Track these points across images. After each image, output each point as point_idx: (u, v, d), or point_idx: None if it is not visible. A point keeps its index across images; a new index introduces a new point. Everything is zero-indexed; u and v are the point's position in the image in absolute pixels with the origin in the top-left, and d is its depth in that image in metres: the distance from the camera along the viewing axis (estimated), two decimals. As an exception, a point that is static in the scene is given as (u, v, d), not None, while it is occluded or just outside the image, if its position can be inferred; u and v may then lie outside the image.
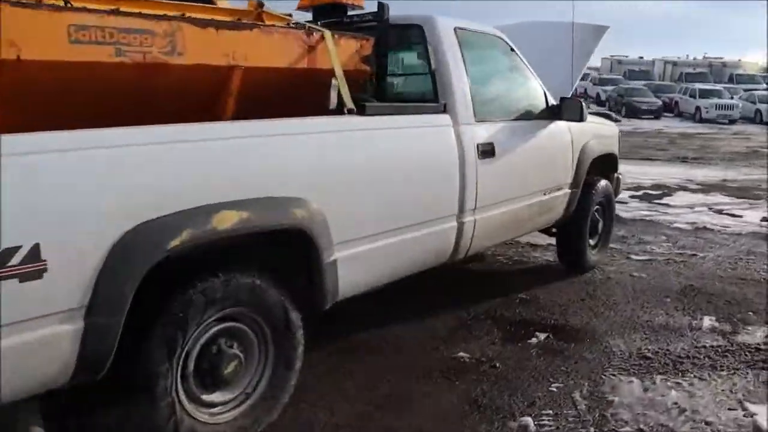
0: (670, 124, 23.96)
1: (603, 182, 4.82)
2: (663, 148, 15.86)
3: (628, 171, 10.87)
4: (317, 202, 2.58)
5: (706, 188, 9.32)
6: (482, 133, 3.50)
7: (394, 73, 3.65)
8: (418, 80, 3.60)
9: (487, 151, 3.51)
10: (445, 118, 3.31)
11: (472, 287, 4.47)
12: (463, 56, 3.50)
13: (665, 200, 8.20)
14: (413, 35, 3.52)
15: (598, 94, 29.28)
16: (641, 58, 36.89)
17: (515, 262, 5.15)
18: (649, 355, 3.37)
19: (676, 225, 6.65)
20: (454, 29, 3.52)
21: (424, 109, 3.31)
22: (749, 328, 3.78)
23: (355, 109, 2.93)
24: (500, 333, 3.66)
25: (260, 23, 2.92)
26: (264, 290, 2.48)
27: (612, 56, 35.27)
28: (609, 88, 28.32)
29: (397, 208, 3.01)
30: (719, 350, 3.44)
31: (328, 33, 3.08)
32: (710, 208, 7.69)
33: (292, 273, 2.67)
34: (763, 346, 3.51)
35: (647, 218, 6.97)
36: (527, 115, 4.01)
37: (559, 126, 4.19)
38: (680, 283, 4.61)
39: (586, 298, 4.25)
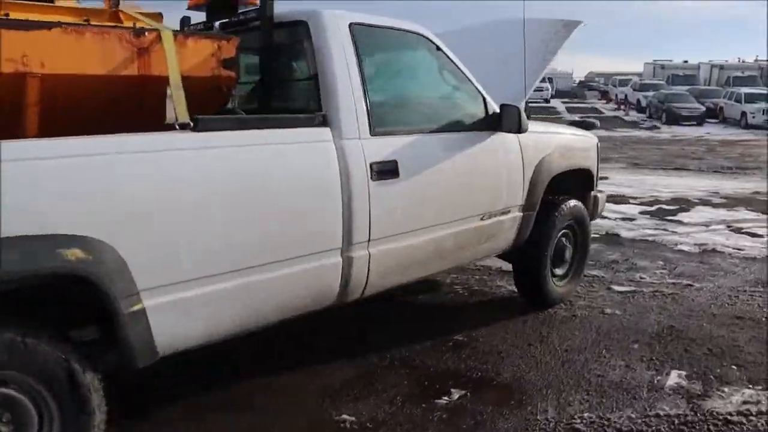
0: (712, 131, 22.42)
1: (572, 203, 4.08)
2: (698, 156, 14.65)
3: (652, 183, 10.00)
4: (110, 239, 2.01)
5: (732, 202, 8.31)
6: (380, 149, 2.85)
7: (279, 80, 3.03)
8: (303, 87, 2.99)
9: (386, 171, 2.86)
10: (321, 132, 2.68)
11: (404, 323, 3.81)
12: (359, 58, 2.87)
13: (679, 216, 7.28)
14: (298, 33, 2.90)
15: (638, 100, 27.85)
16: (686, 62, 35.01)
17: (472, 293, 4.45)
18: (581, 427, 2.64)
19: (681, 247, 5.78)
20: (350, 25, 2.89)
21: (290, 121, 2.68)
22: (725, 389, 2.98)
23: (190, 124, 2.36)
24: (408, 387, 2.99)
25: (61, 22, 2.38)
26: (32, 348, 1.93)
27: (655, 61, 33.60)
28: (649, 93, 26.85)
29: (245, 242, 2.40)
30: (675, 422, 2.68)
31: (167, 33, 2.52)
32: (729, 226, 6.74)
33: (82, 326, 2.13)
34: (735, 417, 2.72)
35: (650, 238, 6.12)
36: (456, 127, 3.33)
37: (503, 138, 3.49)
38: (659, 324, 3.82)
39: (535, 343, 3.52)
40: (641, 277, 4.79)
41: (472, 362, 3.28)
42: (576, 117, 26.45)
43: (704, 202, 8.24)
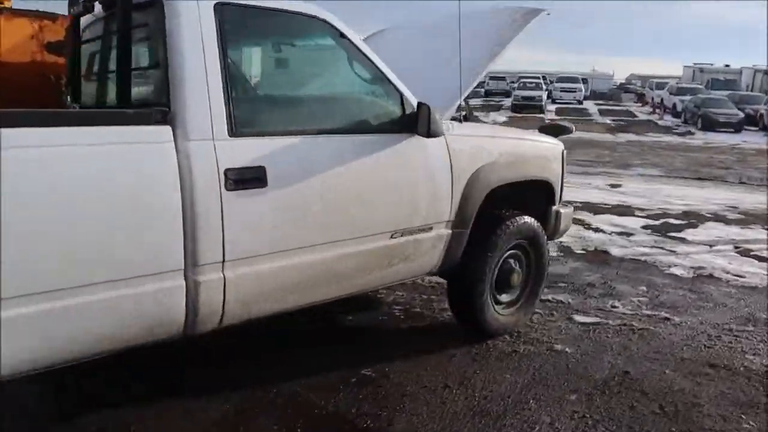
0: (749, 139, 21.03)
1: (522, 219, 3.48)
2: (726, 166, 13.61)
3: (666, 193, 9.20)
4: None
5: (749, 219, 7.48)
6: (242, 153, 2.33)
7: (134, 70, 2.52)
8: (156, 79, 2.47)
9: (247, 179, 2.34)
10: (157, 132, 2.17)
11: (314, 348, 3.28)
12: (223, 44, 2.35)
13: (684, 233, 6.53)
14: (154, 15, 2.40)
15: (674, 104, 26.52)
16: (727, 66, 33.22)
17: (410, 316, 3.88)
18: None
19: (673, 270, 5.09)
20: (216, 6, 2.37)
21: (116, 118, 2.18)
22: (662, 468, 2.37)
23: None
24: (274, 440, 2.48)
25: None
26: None
27: (695, 64, 32.01)
28: (686, 97, 25.50)
29: (49, 261, 1.94)
30: None
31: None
32: (736, 248, 5.98)
33: None
34: None
35: (642, 258, 5.43)
36: (357, 128, 2.77)
37: (424, 143, 2.91)
38: (612, 368, 3.20)
39: (453, 386, 2.94)
40: (613, 306, 4.14)
41: (367, 406, 2.73)
42: (608, 120, 25.38)
43: (717, 218, 7.44)
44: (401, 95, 2.88)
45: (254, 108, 2.49)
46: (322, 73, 2.93)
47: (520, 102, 26.26)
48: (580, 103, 31.52)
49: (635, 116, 28.12)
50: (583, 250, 5.68)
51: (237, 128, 2.35)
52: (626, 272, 4.99)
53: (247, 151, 2.37)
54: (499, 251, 3.38)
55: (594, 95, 39.54)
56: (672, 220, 7.16)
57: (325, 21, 2.70)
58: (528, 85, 27.88)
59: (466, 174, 3.15)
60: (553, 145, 3.80)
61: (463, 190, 3.15)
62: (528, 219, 3.52)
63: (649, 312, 4.06)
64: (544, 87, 28.57)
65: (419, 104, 2.79)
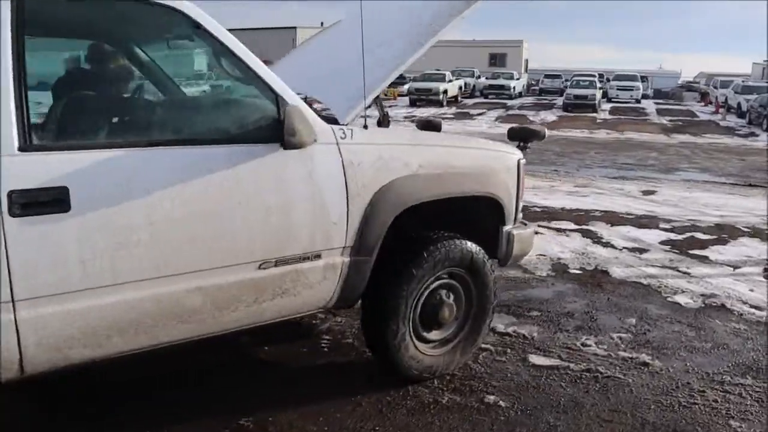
0: (822, 142, 19.08)
1: (455, 244, 2.87)
2: (785, 172, 12.23)
3: (704, 202, 8.21)
4: None
5: (793, 235, 6.47)
6: (35, 171, 1.86)
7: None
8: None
9: (43, 203, 1.86)
10: None
11: (208, 385, 2.79)
12: (18, 35, 1.88)
13: (708, 251, 5.65)
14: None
15: (739, 104, 24.50)
16: (803, 62, 30.54)
17: (336, 348, 3.29)
18: None
19: (678, 297, 4.30)
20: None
21: None
22: None
23: None
24: None
25: None
26: None
27: (765, 61, 29.53)
28: (752, 97, 23.48)
29: None
30: None
31: None
32: (766, 270, 5.08)
33: None
34: None
35: (647, 281, 4.65)
36: (208, 138, 2.24)
37: (305, 154, 2.36)
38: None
39: (333, 451, 2.39)
40: (585, 345, 3.45)
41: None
42: (665, 120, 23.78)
43: (754, 233, 6.45)
44: (277, 97, 2.34)
45: (61, 115, 2.03)
46: (162, 72, 2.43)
47: (572, 101, 24.94)
48: (638, 102, 29.69)
49: (696, 116, 26.20)
50: (580, 269, 4.95)
51: (31, 141, 1.88)
52: (620, 299, 4.25)
53: (44, 168, 1.89)
54: (418, 282, 2.78)
55: (657, 94, 37.44)
56: (699, 235, 6.25)
57: (172, 9, 2.19)
58: (581, 83, 26.48)
59: (368, 190, 2.57)
60: (502, 154, 3.14)
61: (364, 211, 2.57)
62: (462, 243, 2.90)
63: (626, 353, 3.34)
64: (599, 85, 27.07)
65: (288, 107, 2.24)
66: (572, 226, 6.53)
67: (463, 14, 2.87)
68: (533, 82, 37.69)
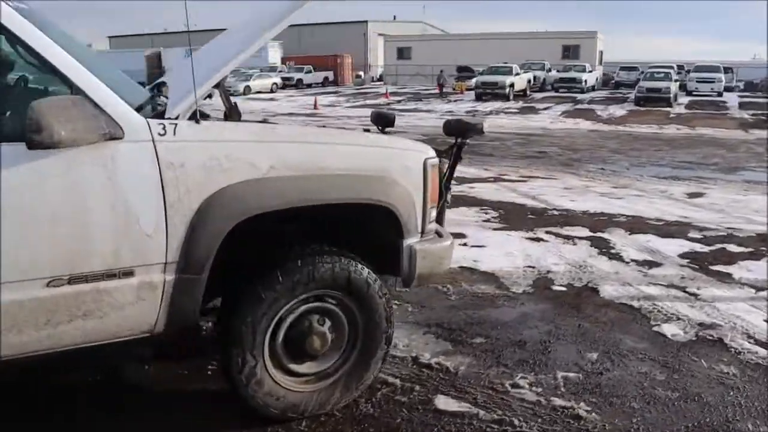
0: None
1: (326, 262, 2.34)
2: None
3: (755, 207, 7.09)
4: None
5: None
6: None
7: None
8: None
9: None
10: None
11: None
12: None
13: (734, 267, 4.71)
14: None
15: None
16: None
17: (220, 375, 2.89)
18: None
19: (668, 327, 3.52)
20: None
21: None
22: None
23: None
24: None
25: None
26: None
27: None
28: None
29: None
30: None
31: None
32: (798, 295, 4.16)
33: None
34: None
35: (638, 304, 3.88)
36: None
37: (105, 152, 1.94)
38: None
39: None
40: (515, 386, 2.81)
41: None
42: (746, 114, 21.59)
43: (803, 247, 5.42)
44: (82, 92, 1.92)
45: None
46: None
47: (644, 94, 23.06)
48: (720, 94, 27.13)
49: (785, 111, 23.65)
50: (566, 286, 4.25)
51: None
52: (594, 325, 3.55)
53: None
54: (270, 306, 2.29)
55: (747, 87, 34.26)
56: (732, 247, 5.30)
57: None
58: (656, 75, 24.43)
59: (195, 197, 2.11)
60: (400, 153, 2.56)
61: (190, 221, 2.11)
62: (335, 261, 2.38)
63: (561, 401, 2.69)
64: (675, 77, 24.90)
65: (36, 101, 1.81)
66: (585, 233, 5.75)
67: (291, 16, 2.31)
68: (611, 75, 35.49)
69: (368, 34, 47.84)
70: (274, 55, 43.86)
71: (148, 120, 2.09)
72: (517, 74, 27.67)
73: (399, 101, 27.61)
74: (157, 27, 53.36)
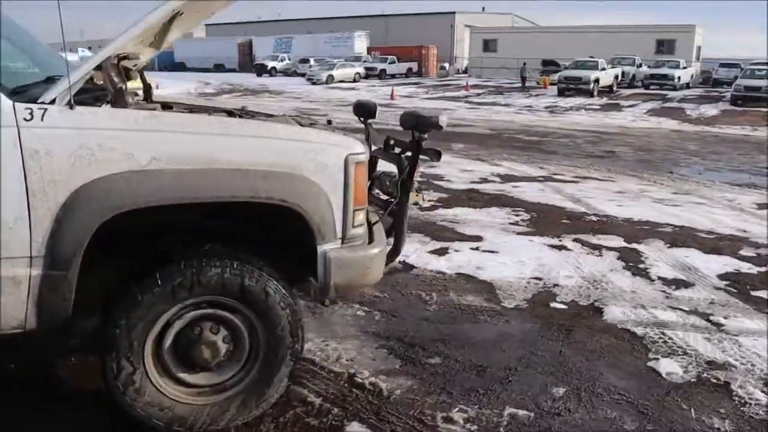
0: None
1: (213, 266, 2.08)
2: None
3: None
4: None
5: None
6: None
7: None
8: None
9: None
10: None
11: None
12: None
13: (782, 296, 3.99)
14: None
15: None
16: None
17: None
18: None
19: (665, 363, 2.96)
20: None
21: None
22: None
23: None
24: None
25: None
26: None
27: None
28: None
29: None
30: None
31: None
32: None
33: None
34: None
35: (642, 331, 3.32)
36: None
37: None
38: None
39: None
40: (448, 419, 2.41)
41: None
42: None
43: None
44: None
45: None
46: None
47: (741, 93, 20.90)
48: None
49: None
50: (568, 303, 3.75)
51: None
52: (577, 354, 3.06)
53: None
54: (149, 309, 2.06)
55: None
56: (788, 272, 4.53)
57: None
58: (756, 73, 22.10)
59: (62, 188, 1.91)
60: (315, 147, 2.21)
61: (56, 214, 1.91)
62: (226, 266, 2.11)
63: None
64: (780, 75, 22.41)
65: None
66: (617, 243, 5.13)
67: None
68: (710, 72, 32.65)
69: (455, 26, 46.88)
70: (360, 45, 44.01)
71: (15, 104, 1.90)
72: (603, 69, 26.05)
73: (479, 94, 26.85)
74: (252, 16, 55.06)
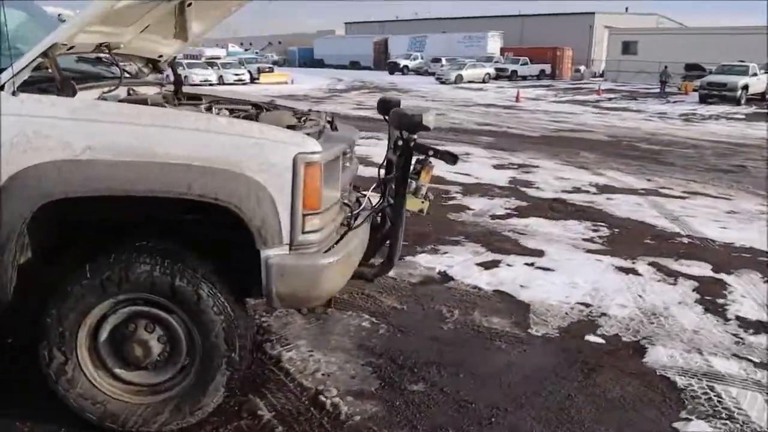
0: None
1: (142, 263, 1.97)
2: None
3: None
4: None
5: None
6: None
7: None
8: None
9: None
10: None
11: None
12: None
13: None
14: None
15: None
16: None
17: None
18: None
19: (693, 427, 2.39)
20: None
21: None
22: None
23: None
24: None
25: None
26: None
27: None
28: None
29: None
30: None
31: None
32: None
33: None
34: None
35: (684, 382, 2.71)
36: None
37: None
38: None
39: None
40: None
41: None
42: None
43: None
44: None
45: None
46: None
47: None
48: None
49: None
50: (609, 338, 3.20)
51: None
52: (593, 402, 2.56)
53: None
54: (78, 302, 1.99)
55: None
56: None
57: None
58: None
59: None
60: (261, 144, 1.98)
61: (-7, 199, 1.90)
62: (157, 264, 1.97)
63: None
64: None
65: None
66: (702, 271, 4.36)
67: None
68: None
69: (594, 27, 44.10)
70: (493, 45, 42.95)
71: (-41, 91, 1.91)
72: (755, 75, 23.01)
73: (610, 99, 24.97)
74: (390, 15, 56.01)
